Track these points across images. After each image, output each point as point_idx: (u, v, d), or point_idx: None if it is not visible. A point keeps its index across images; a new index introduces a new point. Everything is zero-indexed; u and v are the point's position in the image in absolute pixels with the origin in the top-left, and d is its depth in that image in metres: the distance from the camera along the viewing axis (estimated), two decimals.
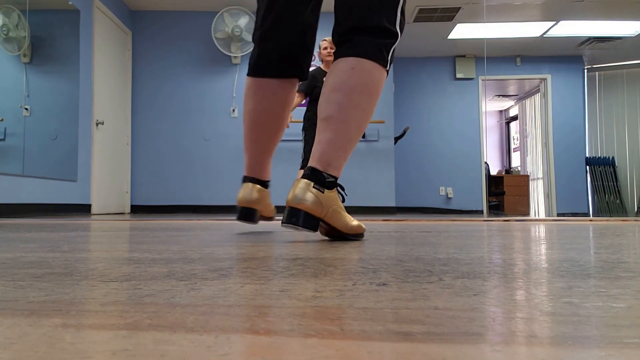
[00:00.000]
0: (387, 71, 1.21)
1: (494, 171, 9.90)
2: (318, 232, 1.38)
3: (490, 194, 7.80)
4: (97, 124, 4.91)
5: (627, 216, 6.59)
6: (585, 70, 7.50)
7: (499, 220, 2.68)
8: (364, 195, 5.78)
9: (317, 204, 1.10)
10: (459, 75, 7.32)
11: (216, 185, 5.79)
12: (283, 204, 5.62)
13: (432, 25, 6.20)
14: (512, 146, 10.39)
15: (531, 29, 6.35)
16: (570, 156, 7.36)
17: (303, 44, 1.37)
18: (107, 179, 5.15)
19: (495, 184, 8.44)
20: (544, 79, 7.43)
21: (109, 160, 5.23)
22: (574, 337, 0.31)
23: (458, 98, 7.35)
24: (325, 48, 3.90)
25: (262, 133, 1.42)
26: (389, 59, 1.20)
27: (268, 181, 1.49)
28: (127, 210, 5.72)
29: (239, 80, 5.86)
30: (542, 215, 7.78)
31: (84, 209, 4.61)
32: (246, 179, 1.47)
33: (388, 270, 0.63)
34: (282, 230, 1.62)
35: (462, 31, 6.41)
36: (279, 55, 1.36)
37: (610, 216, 6.58)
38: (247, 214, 1.43)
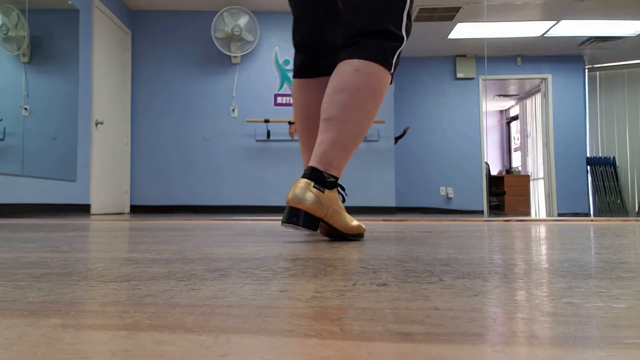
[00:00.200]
0: (392, 75, 1.22)
1: (494, 171, 9.91)
2: (318, 233, 1.38)
3: (490, 194, 7.80)
4: (96, 124, 4.91)
5: (628, 216, 6.59)
6: (586, 70, 7.50)
7: (499, 221, 2.68)
8: (364, 196, 5.78)
9: (317, 204, 1.10)
10: (459, 75, 7.32)
11: (216, 185, 5.79)
12: (283, 204, 5.62)
13: (433, 25, 6.19)
14: (513, 146, 10.39)
15: (532, 29, 6.35)
16: (571, 156, 7.36)
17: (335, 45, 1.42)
18: (106, 179, 5.15)
19: (495, 184, 8.44)
20: (545, 79, 7.42)
21: (109, 160, 5.23)
22: (574, 337, 0.31)
23: (458, 98, 7.35)
24: None
25: (314, 127, 1.44)
26: (394, 62, 1.20)
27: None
28: (127, 211, 5.72)
29: (239, 80, 5.86)
30: (543, 216, 7.78)
31: (83, 209, 4.61)
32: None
33: (388, 270, 0.63)
34: (282, 230, 1.62)
35: (463, 31, 6.41)
36: (316, 59, 1.42)
37: (611, 216, 6.58)
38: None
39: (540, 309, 0.40)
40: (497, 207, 8.25)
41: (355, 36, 1.19)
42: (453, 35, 6.53)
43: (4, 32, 3.49)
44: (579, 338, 0.31)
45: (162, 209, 5.74)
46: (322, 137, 1.17)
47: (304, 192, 1.10)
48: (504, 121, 10.67)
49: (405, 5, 1.20)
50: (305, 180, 1.11)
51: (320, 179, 1.12)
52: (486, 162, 7.43)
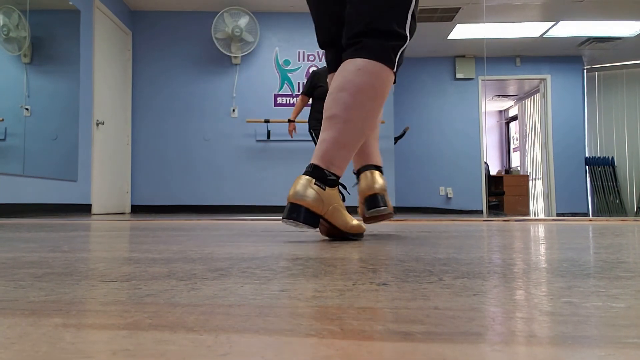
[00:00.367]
0: (395, 73, 1.22)
1: (493, 171, 9.90)
2: (318, 232, 1.38)
3: (490, 194, 7.80)
4: (97, 124, 4.91)
5: (626, 216, 6.59)
6: (585, 71, 7.50)
7: (498, 220, 2.68)
8: None
9: (318, 201, 1.10)
10: (458, 76, 7.32)
11: (216, 186, 5.79)
12: (284, 204, 5.62)
13: (432, 26, 6.20)
14: (512, 146, 10.40)
15: (531, 29, 6.35)
16: (570, 156, 7.36)
17: None
18: (107, 179, 5.15)
19: (495, 184, 8.44)
20: (544, 79, 7.43)
21: (110, 160, 5.23)
22: (573, 336, 0.31)
23: (458, 98, 7.35)
24: None
25: None
26: (397, 61, 1.20)
27: (381, 167, 1.48)
28: (128, 210, 5.72)
29: (239, 81, 5.86)
30: (542, 216, 7.78)
31: (84, 209, 4.61)
32: (360, 170, 1.46)
33: (388, 270, 0.63)
34: (282, 230, 1.62)
35: (462, 31, 6.41)
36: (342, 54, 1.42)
37: (610, 216, 6.59)
38: (372, 200, 1.42)
39: (539, 309, 0.40)
40: (497, 207, 8.25)
41: (358, 35, 1.19)
42: (453, 35, 6.54)
43: (5, 32, 3.49)
44: (578, 337, 0.31)
45: (162, 209, 5.74)
46: (324, 135, 1.17)
47: (305, 189, 1.10)
48: (503, 121, 10.67)
49: (410, 5, 1.20)
50: (307, 177, 1.12)
51: (322, 176, 1.12)
52: (485, 162, 7.44)
